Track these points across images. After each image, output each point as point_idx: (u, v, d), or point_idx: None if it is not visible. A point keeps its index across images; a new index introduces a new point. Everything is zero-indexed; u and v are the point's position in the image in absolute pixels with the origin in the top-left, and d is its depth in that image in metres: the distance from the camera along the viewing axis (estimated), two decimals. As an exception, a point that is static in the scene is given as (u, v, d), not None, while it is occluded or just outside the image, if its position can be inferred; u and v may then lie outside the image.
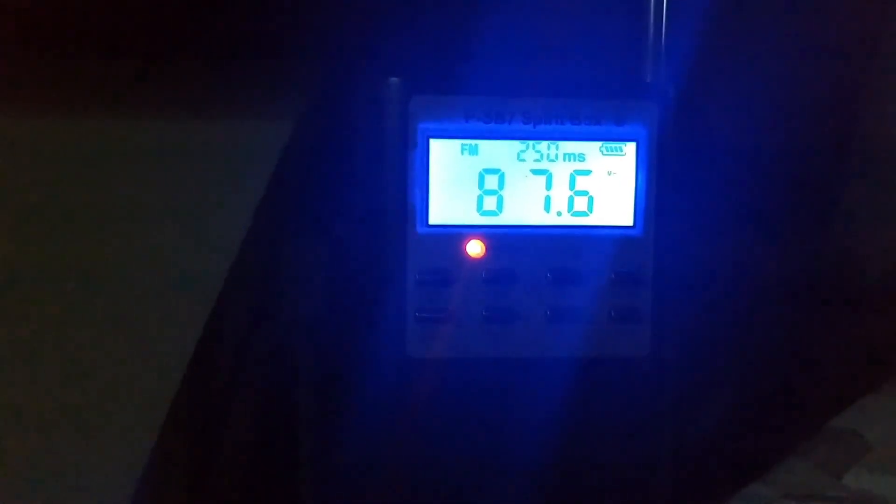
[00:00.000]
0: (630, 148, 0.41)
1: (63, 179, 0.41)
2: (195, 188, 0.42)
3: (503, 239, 0.41)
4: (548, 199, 0.42)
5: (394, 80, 0.40)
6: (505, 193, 0.41)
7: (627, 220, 0.42)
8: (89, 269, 0.41)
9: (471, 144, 0.41)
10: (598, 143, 0.41)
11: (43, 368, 0.39)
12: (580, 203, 0.42)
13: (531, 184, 0.41)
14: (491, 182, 0.41)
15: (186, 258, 0.41)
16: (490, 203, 0.41)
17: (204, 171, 0.42)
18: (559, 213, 0.42)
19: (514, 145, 0.41)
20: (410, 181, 0.41)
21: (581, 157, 0.41)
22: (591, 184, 0.42)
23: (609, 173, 0.42)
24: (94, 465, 0.37)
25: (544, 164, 0.41)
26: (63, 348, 0.40)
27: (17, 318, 0.40)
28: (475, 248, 0.41)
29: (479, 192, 0.41)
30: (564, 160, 0.41)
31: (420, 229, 0.41)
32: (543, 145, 0.41)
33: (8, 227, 0.40)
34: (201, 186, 0.42)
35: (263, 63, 0.44)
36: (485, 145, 0.41)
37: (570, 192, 0.42)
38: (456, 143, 0.41)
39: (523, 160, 0.41)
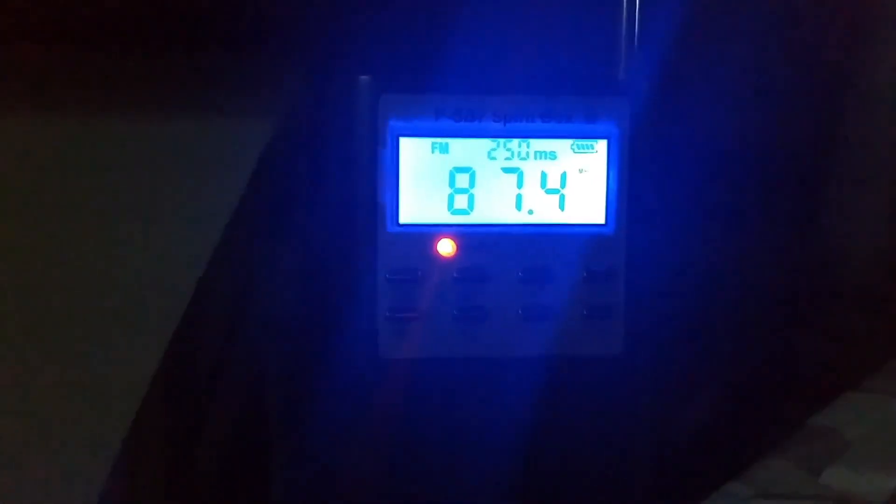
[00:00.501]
0: (601, 145, 0.41)
1: (36, 177, 0.41)
2: (167, 186, 0.41)
3: (474, 238, 0.41)
4: (519, 198, 0.41)
5: (364, 78, 0.40)
6: (476, 192, 0.41)
7: (599, 217, 0.41)
8: (67, 266, 0.41)
9: (441, 143, 0.41)
10: (570, 141, 0.41)
11: (20, 373, 0.39)
12: (551, 201, 0.41)
13: (502, 182, 0.41)
14: (462, 180, 0.41)
15: (158, 256, 0.41)
16: (461, 202, 0.41)
17: (175, 169, 0.41)
18: (531, 212, 0.41)
19: (485, 143, 0.41)
20: (380, 180, 0.40)
21: (552, 155, 0.41)
22: (563, 182, 0.41)
23: (580, 171, 0.41)
24: (66, 460, 0.37)
25: (515, 163, 0.41)
26: (40, 350, 0.40)
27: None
28: (446, 247, 0.41)
29: (449, 190, 0.41)
30: (535, 158, 0.41)
31: (390, 228, 0.41)
32: (514, 143, 0.41)
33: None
34: (173, 184, 0.41)
35: (233, 59, 0.43)
36: (455, 143, 0.41)
37: (542, 191, 0.41)
38: (426, 142, 0.41)
39: (494, 158, 0.41)
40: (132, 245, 0.42)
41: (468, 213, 0.41)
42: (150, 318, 0.41)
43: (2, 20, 0.43)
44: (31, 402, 0.40)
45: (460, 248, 0.41)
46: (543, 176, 0.41)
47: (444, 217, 0.41)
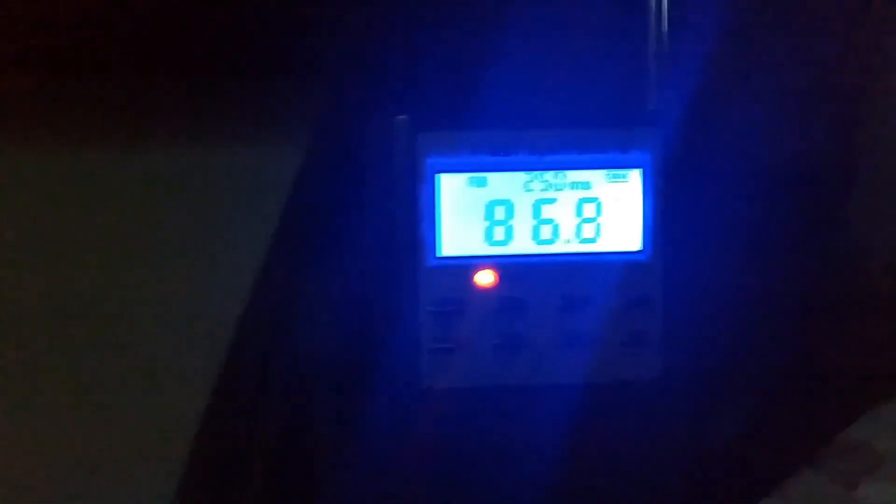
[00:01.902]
0: (635, 174, 0.42)
1: (58, 207, 0.41)
2: (203, 217, 0.42)
3: (513, 268, 0.42)
4: (556, 227, 0.42)
5: (401, 117, 0.41)
6: (513, 223, 0.42)
7: (635, 245, 0.42)
8: (95, 303, 0.41)
9: (478, 177, 0.42)
10: (604, 171, 0.42)
11: (50, 414, 0.40)
12: (588, 230, 0.42)
13: (539, 213, 0.42)
14: (499, 213, 0.42)
15: (197, 291, 0.42)
16: (499, 233, 0.42)
17: (210, 199, 0.42)
18: (567, 241, 0.42)
19: (521, 176, 0.42)
20: (420, 215, 0.41)
21: (587, 185, 0.42)
22: (598, 211, 0.42)
23: (615, 200, 0.42)
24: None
25: (551, 193, 0.42)
26: (73, 387, 0.40)
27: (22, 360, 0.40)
28: (485, 278, 0.42)
29: (487, 223, 0.42)
30: (571, 188, 0.42)
31: (430, 261, 0.42)
32: (550, 175, 0.42)
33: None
34: (210, 216, 0.42)
35: (269, 90, 0.44)
36: (492, 177, 0.42)
37: (578, 220, 0.42)
38: (463, 177, 0.42)
39: (530, 190, 0.42)
40: (174, 280, 0.42)
41: (506, 244, 0.42)
42: (191, 358, 0.41)
43: (20, 49, 0.43)
44: (64, 450, 0.40)
45: (499, 278, 0.42)
46: (579, 205, 0.42)
47: (483, 249, 0.42)
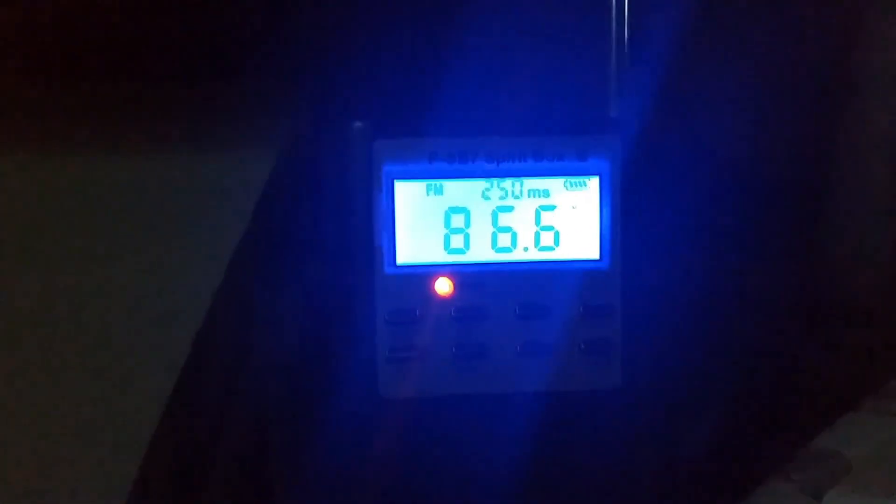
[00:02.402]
0: (594, 182, 0.42)
1: (36, 209, 0.41)
2: (177, 219, 0.42)
3: (471, 276, 0.42)
4: (514, 235, 0.42)
5: (357, 124, 0.41)
6: (471, 231, 0.42)
7: (594, 253, 0.42)
8: (66, 300, 0.41)
9: (436, 184, 0.41)
10: (562, 179, 0.42)
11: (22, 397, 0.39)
12: (546, 238, 0.42)
13: (497, 221, 0.42)
14: (457, 221, 0.42)
15: (153, 294, 0.41)
16: (457, 241, 0.42)
17: (177, 204, 0.42)
18: (526, 249, 0.42)
19: (479, 184, 0.42)
20: (377, 223, 0.41)
21: (545, 193, 0.42)
22: (557, 219, 0.42)
23: (573, 207, 0.42)
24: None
25: (509, 201, 0.42)
26: (43, 386, 0.40)
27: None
28: (443, 287, 0.42)
29: (445, 230, 0.42)
30: (529, 196, 0.42)
31: (388, 269, 0.41)
32: (508, 182, 0.42)
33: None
34: (183, 217, 0.42)
35: (230, 96, 0.44)
36: (450, 185, 0.41)
37: (536, 228, 0.42)
38: (421, 185, 0.41)
39: (488, 198, 0.42)
40: (130, 281, 0.42)
41: (464, 253, 0.42)
42: (148, 364, 0.41)
43: (10, 57, 0.44)
44: (32, 445, 0.40)
45: (457, 286, 0.42)
46: (537, 213, 0.42)
47: (441, 257, 0.42)
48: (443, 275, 0.42)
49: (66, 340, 0.40)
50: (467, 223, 0.42)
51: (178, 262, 0.41)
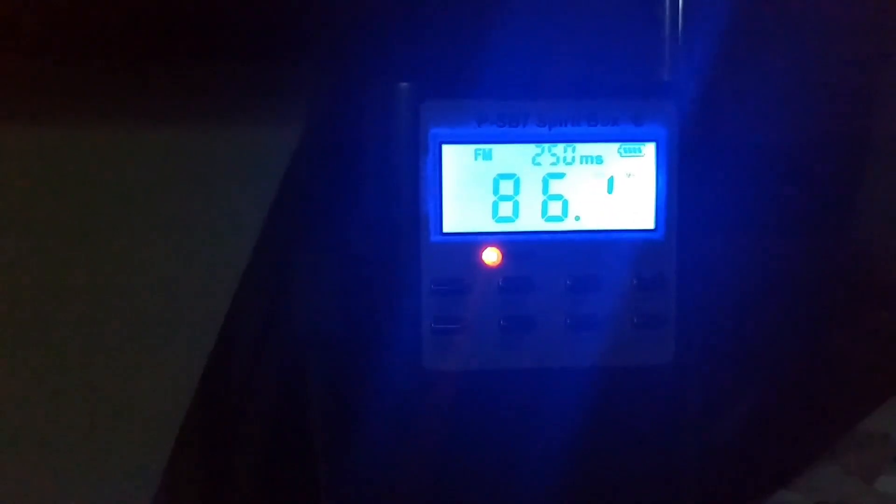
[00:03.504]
0: (649, 149, 0.40)
1: (60, 190, 0.40)
2: (202, 197, 0.41)
3: (520, 246, 0.40)
4: (565, 204, 0.40)
5: (403, 84, 0.39)
6: (521, 199, 0.40)
7: (648, 223, 0.40)
8: (94, 282, 0.40)
9: (484, 149, 0.40)
10: (616, 145, 0.40)
11: (49, 387, 0.38)
12: (599, 207, 0.40)
13: (548, 188, 0.40)
14: (506, 188, 0.40)
15: (195, 269, 0.40)
16: (506, 209, 0.40)
17: (211, 179, 0.41)
18: (577, 218, 0.40)
19: (530, 149, 0.40)
20: (423, 188, 0.39)
21: (599, 160, 0.40)
22: (610, 187, 0.40)
23: (628, 175, 0.40)
24: (109, 480, 0.37)
25: (561, 168, 0.40)
26: (71, 365, 0.39)
27: (23, 336, 0.39)
28: (491, 256, 0.40)
29: (493, 198, 0.40)
30: (581, 163, 0.40)
31: (434, 238, 0.40)
32: (559, 148, 0.40)
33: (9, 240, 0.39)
34: (209, 195, 0.41)
35: (269, 66, 0.43)
36: (499, 150, 0.40)
37: (589, 196, 0.40)
38: (469, 149, 0.40)
39: (539, 164, 0.40)
40: (167, 259, 0.41)
41: (513, 221, 0.40)
42: (187, 334, 0.40)
43: (26, 35, 0.42)
44: (57, 423, 0.39)
45: (506, 256, 0.40)
46: (590, 181, 0.40)
47: (489, 225, 0.40)
48: (490, 244, 0.40)
49: (95, 322, 0.39)
50: (517, 190, 0.40)
51: (210, 233, 0.40)
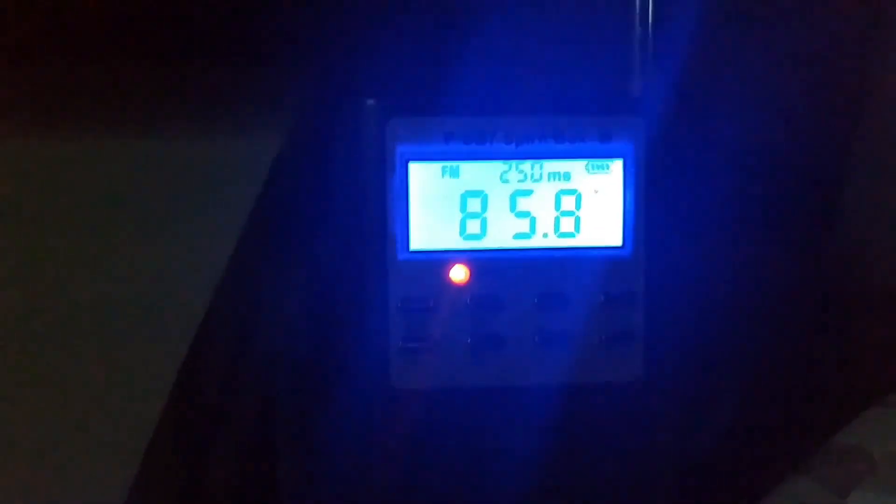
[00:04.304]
0: (617, 165, 0.40)
1: (38, 194, 0.40)
2: (182, 203, 0.40)
3: (488, 263, 0.40)
4: (533, 221, 0.40)
5: (370, 101, 0.39)
6: (488, 216, 0.40)
7: (616, 239, 0.40)
8: (63, 292, 0.40)
9: (451, 166, 0.40)
10: (584, 161, 0.40)
11: (23, 392, 0.38)
12: (566, 224, 0.40)
13: (515, 205, 0.40)
14: (473, 205, 0.40)
15: (162, 281, 0.40)
16: (473, 226, 0.40)
17: (191, 185, 0.40)
18: (545, 235, 0.40)
19: (497, 166, 0.40)
20: (390, 206, 0.39)
21: (566, 177, 0.40)
22: (578, 203, 0.40)
23: (596, 192, 0.40)
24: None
25: (528, 185, 0.40)
26: (42, 370, 0.39)
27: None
28: (459, 274, 0.40)
29: (461, 215, 0.40)
30: (549, 180, 0.40)
31: (401, 255, 0.40)
32: (527, 165, 0.40)
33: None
34: (188, 201, 0.40)
35: (236, 75, 0.42)
36: (466, 167, 0.40)
37: (556, 213, 0.40)
38: (436, 166, 0.39)
39: (506, 181, 0.40)
40: (136, 266, 0.41)
41: (481, 239, 0.40)
42: (149, 355, 0.40)
43: (10, 38, 0.42)
44: (33, 433, 0.39)
45: (473, 274, 0.40)
46: (557, 198, 0.40)
47: (457, 243, 0.40)
48: (458, 261, 0.40)
49: (65, 334, 0.39)
50: (484, 207, 0.40)
51: (180, 250, 0.40)
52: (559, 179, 0.40)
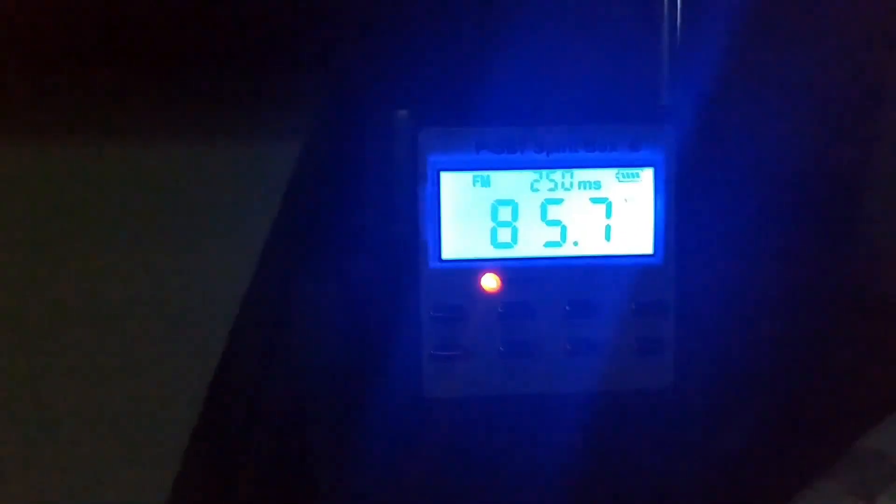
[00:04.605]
0: (647, 174, 0.40)
1: (58, 203, 0.40)
2: (200, 215, 0.40)
3: (519, 272, 0.40)
4: (564, 229, 0.40)
5: (402, 112, 0.39)
6: (519, 225, 0.40)
7: (647, 248, 0.40)
8: (88, 301, 0.39)
9: (483, 176, 0.40)
10: (614, 170, 0.40)
11: (44, 414, 0.38)
12: (597, 232, 0.40)
13: (546, 214, 0.40)
14: (504, 214, 0.40)
15: (189, 292, 0.40)
16: (504, 235, 0.40)
17: (215, 192, 0.40)
18: (576, 243, 0.40)
19: (528, 175, 0.40)
20: (422, 215, 0.39)
21: (597, 185, 0.40)
22: (608, 212, 0.40)
23: (626, 200, 0.40)
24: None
25: (559, 194, 0.40)
26: (65, 392, 0.39)
27: (19, 359, 0.39)
28: (490, 283, 0.40)
29: (492, 224, 0.40)
30: (580, 188, 0.40)
31: (433, 264, 0.40)
32: (557, 174, 0.40)
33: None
34: (205, 214, 0.40)
35: (268, 83, 0.42)
36: (497, 176, 0.40)
37: (587, 221, 0.40)
38: (467, 176, 0.40)
39: (537, 190, 0.40)
40: (165, 281, 0.41)
41: (512, 247, 0.40)
42: (183, 360, 0.40)
43: (32, 46, 0.42)
44: (56, 450, 0.39)
45: (504, 282, 0.40)
46: (588, 207, 0.40)
47: (488, 251, 0.40)
48: (489, 270, 0.40)
49: (89, 341, 0.39)
50: (515, 216, 0.40)
51: (207, 258, 0.40)
52: (590, 188, 0.40)
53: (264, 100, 0.43)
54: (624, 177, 0.40)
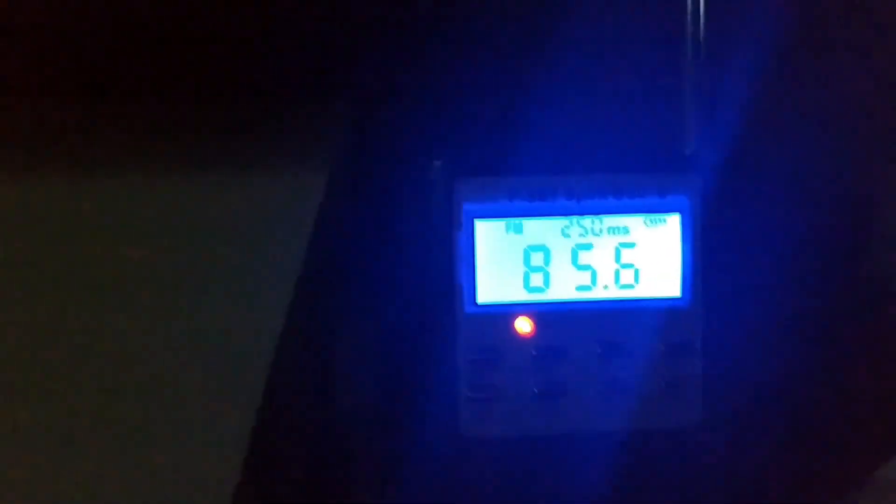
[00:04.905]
0: (674, 219, 0.42)
1: (82, 235, 0.40)
2: (237, 246, 0.41)
3: (551, 315, 0.41)
4: (594, 273, 0.42)
5: (437, 162, 0.41)
6: (551, 269, 0.42)
7: (674, 290, 0.42)
8: (120, 347, 0.40)
9: (515, 223, 0.41)
10: (642, 216, 0.42)
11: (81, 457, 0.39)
12: (626, 276, 0.42)
13: (577, 259, 0.42)
14: (536, 259, 0.42)
15: (227, 331, 0.41)
16: (536, 280, 0.42)
17: (247, 226, 0.41)
18: (606, 287, 0.42)
19: (559, 222, 0.41)
20: (457, 262, 0.41)
21: (625, 231, 0.42)
22: (637, 256, 0.42)
23: (654, 245, 0.42)
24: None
25: (589, 239, 0.42)
26: (103, 430, 0.40)
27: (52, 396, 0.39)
28: (524, 326, 0.41)
29: (525, 269, 0.41)
30: (609, 234, 0.42)
31: (468, 309, 0.41)
32: (587, 220, 0.42)
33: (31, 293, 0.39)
34: (243, 243, 0.41)
35: (301, 122, 0.43)
36: (529, 223, 0.41)
37: (616, 266, 0.42)
38: (501, 223, 0.41)
39: (567, 236, 0.42)
40: (202, 318, 0.41)
41: (544, 291, 0.42)
42: (225, 403, 0.41)
43: (39, 74, 0.42)
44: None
45: (538, 325, 0.41)
46: (617, 251, 0.42)
47: (521, 296, 0.41)
48: (523, 314, 0.41)
49: (127, 389, 0.40)
50: (547, 261, 0.42)
51: (242, 306, 0.41)
52: (619, 233, 0.42)
53: (301, 141, 0.43)
54: (651, 222, 0.42)
